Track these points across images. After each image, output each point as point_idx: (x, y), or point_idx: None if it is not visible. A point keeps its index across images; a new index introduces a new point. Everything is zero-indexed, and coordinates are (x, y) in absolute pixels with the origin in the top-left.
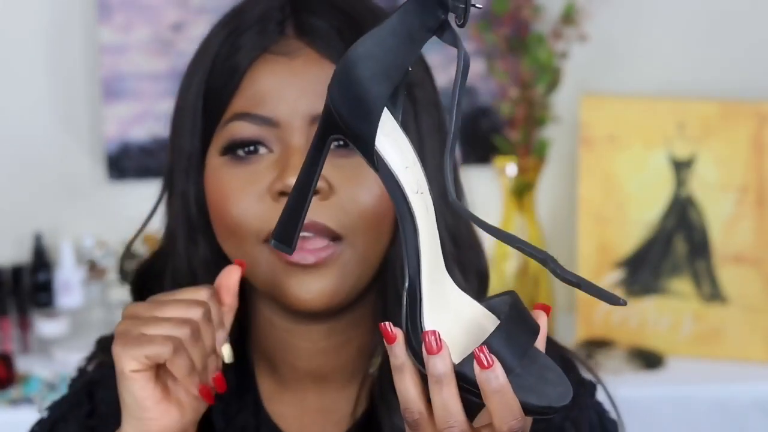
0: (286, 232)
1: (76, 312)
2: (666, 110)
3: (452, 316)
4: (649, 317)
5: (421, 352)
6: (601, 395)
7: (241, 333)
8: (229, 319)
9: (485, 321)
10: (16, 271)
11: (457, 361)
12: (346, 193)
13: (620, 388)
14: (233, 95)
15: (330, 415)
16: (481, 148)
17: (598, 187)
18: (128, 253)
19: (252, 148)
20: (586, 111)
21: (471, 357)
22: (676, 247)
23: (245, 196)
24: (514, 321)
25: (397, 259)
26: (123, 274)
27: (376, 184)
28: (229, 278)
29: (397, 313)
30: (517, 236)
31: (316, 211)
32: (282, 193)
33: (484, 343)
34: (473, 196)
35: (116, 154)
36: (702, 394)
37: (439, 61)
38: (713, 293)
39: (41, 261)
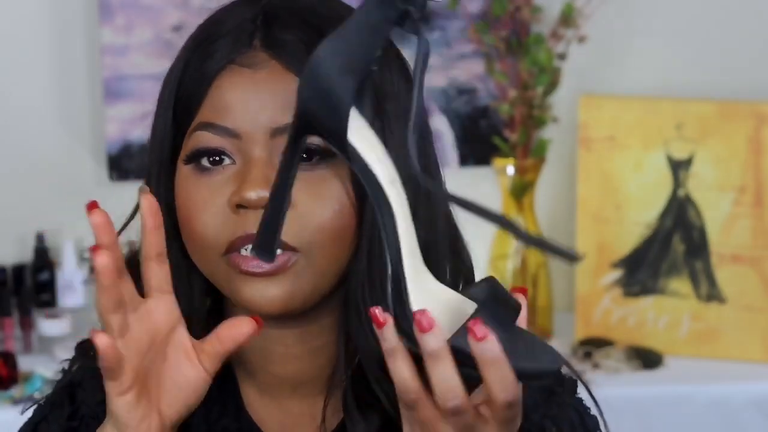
0: (265, 241)
1: (78, 311)
2: (664, 111)
3: (434, 301)
4: (648, 317)
5: (413, 332)
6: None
7: None
8: None
9: (466, 306)
10: (18, 271)
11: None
12: (306, 207)
13: (618, 388)
14: (201, 104)
15: (311, 419)
16: (481, 148)
17: (597, 187)
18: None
19: (217, 158)
20: (585, 111)
21: (462, 330)
22: (675, 247)
23: (207, 209)
24: (495, 300)
25: (359, 272)
26: None
27: (336, 198)
28: (238, 331)
29: (354, 323)
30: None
31: None
32: (239, 206)
33: (472, 317)
34: (473, 197)
35: (117, 154)
36: (700, 393)
37: (440, 63)
38: (711, 293)
39: (43, 261)
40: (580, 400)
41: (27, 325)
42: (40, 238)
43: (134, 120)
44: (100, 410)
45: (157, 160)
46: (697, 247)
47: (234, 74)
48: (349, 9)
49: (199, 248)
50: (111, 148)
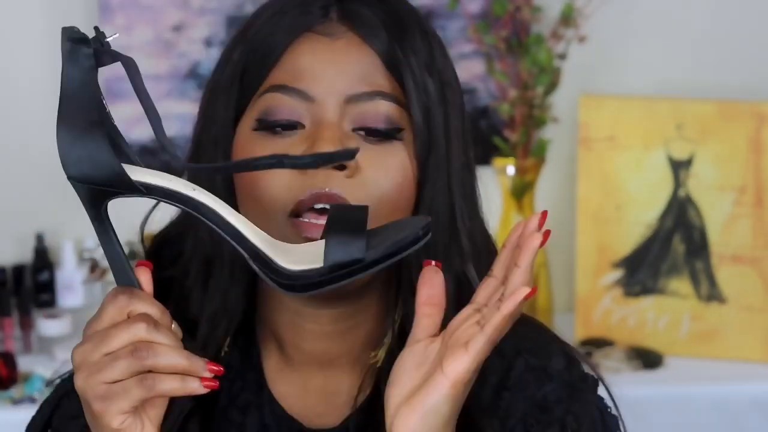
0: (122, 278)
1: (77, 311)
2: (664, 111)
3: (295, 254)
4: (648, 317)
5: (291, 284)
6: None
7: (249, 310)
8: None
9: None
10: (18, 271)
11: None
12: (370, 174)
13: (618, 388)
14: (271, 70)
15: (333, 398)
16: (481, 148)
17: (597, 188)
18: (145, 225)
19: (289, 127)
20: (585, 111)
21: (332, 244)
22: (675, 247)
23: (275, 170)
24: (340, 217)
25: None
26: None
27: (400, 171)
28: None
29: (410, 303)
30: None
31: (339, 185)
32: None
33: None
34: None
35: None
36: (700, 393)
37: None
38: (711, 293)
39: (43, 261)
40: (601, 398)
41: (27, 325)
42: (39, 239)
43: (134, 120)
44: None
45: (217, 124)
46: (698, 247)
47: (312, 41)
48: None
49: (263, 210)
50: None
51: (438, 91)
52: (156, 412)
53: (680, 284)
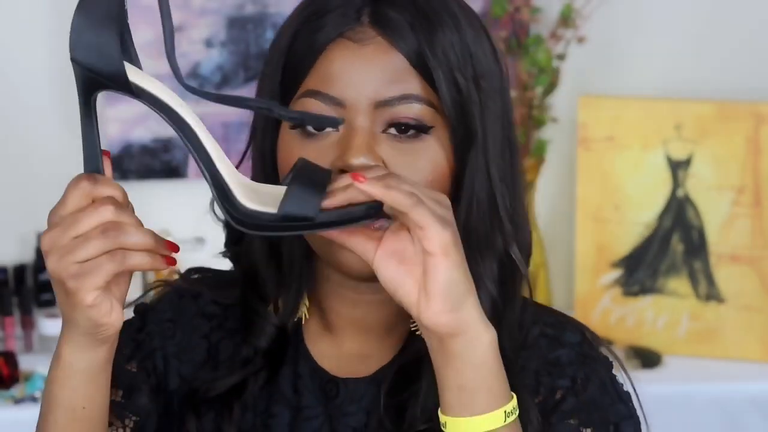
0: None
1: None
2: (663, 111)
3: (256, 193)
4: (647, 316)
5: (245, 221)
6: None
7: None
8: None
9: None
10: (20, 270)
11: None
12: (399, 172)
13: None
14: (308, 72)
15: (366, 359)
16: None
17: (596, 187)
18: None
19: (321, 130)
20: (584, 112)
21: (290, 196)
22: (674, 247)
23: None
24: (306, 172)
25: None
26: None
27: (430, 170)
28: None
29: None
30: (239, 96)
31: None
32: (342, 171)
33: (288, 189)
34: None
35: (118, 154)
36: (699, 393)
37: None
38: (710, 292)
39: (44, 260)
40: (615, 375)
41: (28, 324)
42: (41, 238)
43: (135, 120)
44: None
45: (264, 116)
46: (696, 246)
47: (342, 47)
48: None
49: None
50: (111, 148)
51: (473, 82)
52: (121, 291)
53: (679, 284)
